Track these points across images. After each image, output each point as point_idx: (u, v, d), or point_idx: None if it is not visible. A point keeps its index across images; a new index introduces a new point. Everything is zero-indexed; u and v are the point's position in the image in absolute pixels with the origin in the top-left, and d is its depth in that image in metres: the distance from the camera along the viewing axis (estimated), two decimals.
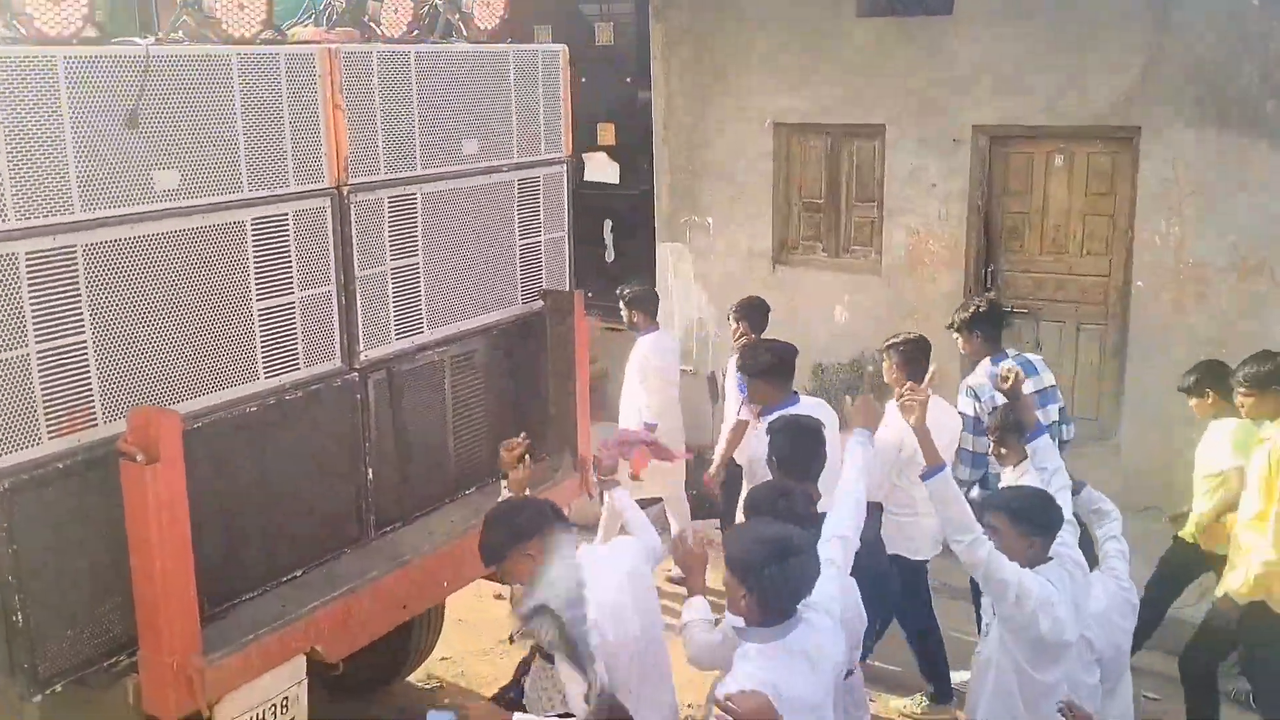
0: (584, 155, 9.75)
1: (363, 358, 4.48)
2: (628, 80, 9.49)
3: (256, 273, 4.03)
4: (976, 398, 5.37)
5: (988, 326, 5.59)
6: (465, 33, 4.95)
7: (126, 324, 3.64)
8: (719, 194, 8.89)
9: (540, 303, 5.28)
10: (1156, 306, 7.24)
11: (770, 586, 3.03)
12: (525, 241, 5.22)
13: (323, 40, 4.36)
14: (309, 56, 4.11)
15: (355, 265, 4.39)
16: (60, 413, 3.50)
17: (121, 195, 3.56)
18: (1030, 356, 5.65)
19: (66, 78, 3.37)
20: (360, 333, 4.45)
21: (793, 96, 8.36)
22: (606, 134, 9.76)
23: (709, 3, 8.58)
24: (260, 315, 4.07)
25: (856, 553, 3.85)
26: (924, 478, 3.72)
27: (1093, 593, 3.89)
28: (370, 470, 4.59)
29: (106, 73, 3.47)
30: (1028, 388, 5.40)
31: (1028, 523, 3.66)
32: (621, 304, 6.99)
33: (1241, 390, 5.03)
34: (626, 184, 9.74)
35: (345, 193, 4.30)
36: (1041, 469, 4.21)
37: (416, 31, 4.71)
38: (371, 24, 4.55)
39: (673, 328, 8.79)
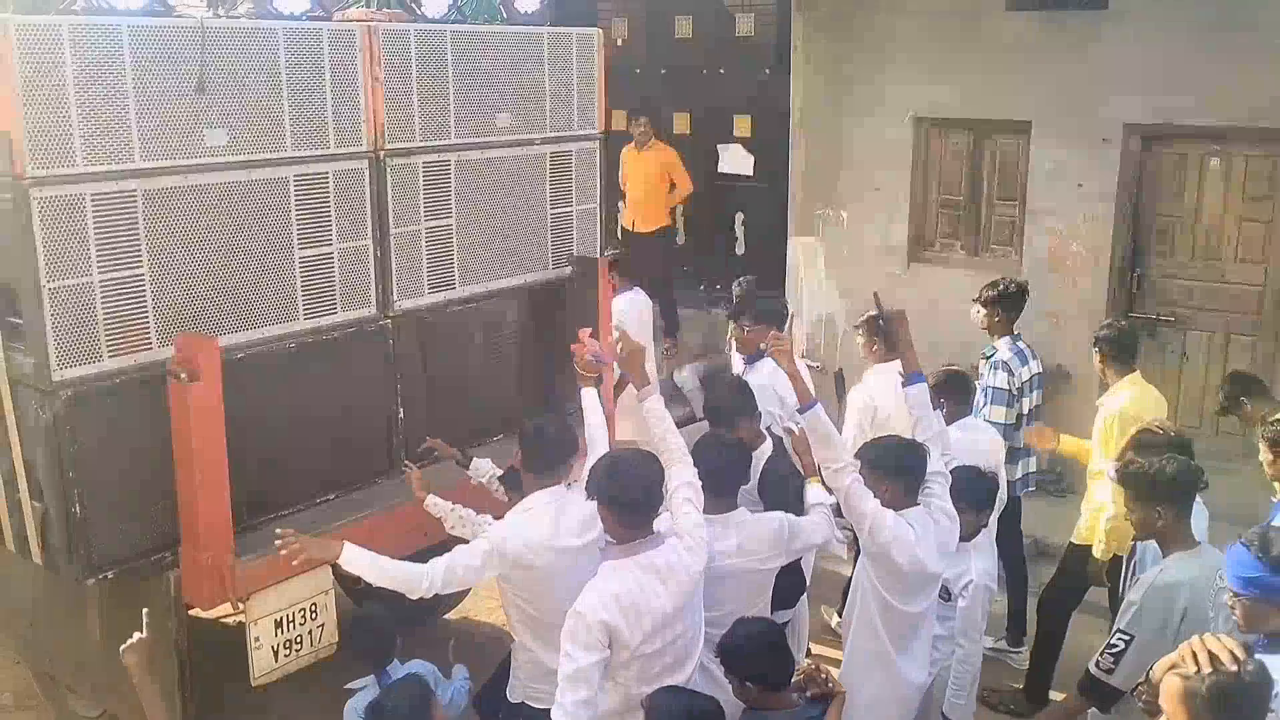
0: (719, 146, 9.95)
1: (396, 307, 4.97)
2: (766, 71, 9.56)
3: (299, 224, 4.54)
4: (1010, 371, 5.62)
5: (1011, 308, 5.85)
6: (506, 15, 5.41)
7: (180, 261, 4.18)
8: (855, 188, 8.78)
9: (569, 268, 5.69)
10: None
11: (615, 493, 3.56)
12: (556, 210, 5.64)
13: (369, 20, 4.86)
14: (350, 33, 4.61)
15: (391, 223, 4.87)
16: (119, 334, 4.05)
17: (177, 149, 4.10)
18: (1025, 344, 5.86)
19: (131, 45, 3.92)
20: (394, 284, 4.94)
21: (935, 90, 8.26)
22: (743, 125, 9.88)
23: None
24: (301, 262, 4.58)
25: None
26: (800, 412, 4.04)
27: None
28: (401, 409, 5.07)
29: (166, 41, 4.01)
30: (1025, 374, 5.66)
31: (881, 468, 3.94)
32: None
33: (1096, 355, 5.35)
34: (760, 176, 9.75)
35: (382, 156, 4.79)
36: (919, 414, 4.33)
37: (457, 16, 5.16)
38: (414, 5, 5.03)
39: (801, 323, 8.72)
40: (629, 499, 3.56)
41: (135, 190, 4.01)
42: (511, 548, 3.88)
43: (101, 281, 3.98)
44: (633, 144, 9.54)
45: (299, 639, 4.52)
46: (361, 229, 4.78)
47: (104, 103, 3.88)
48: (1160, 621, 3.58)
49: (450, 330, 5.23)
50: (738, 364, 5.77)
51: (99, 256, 3.96)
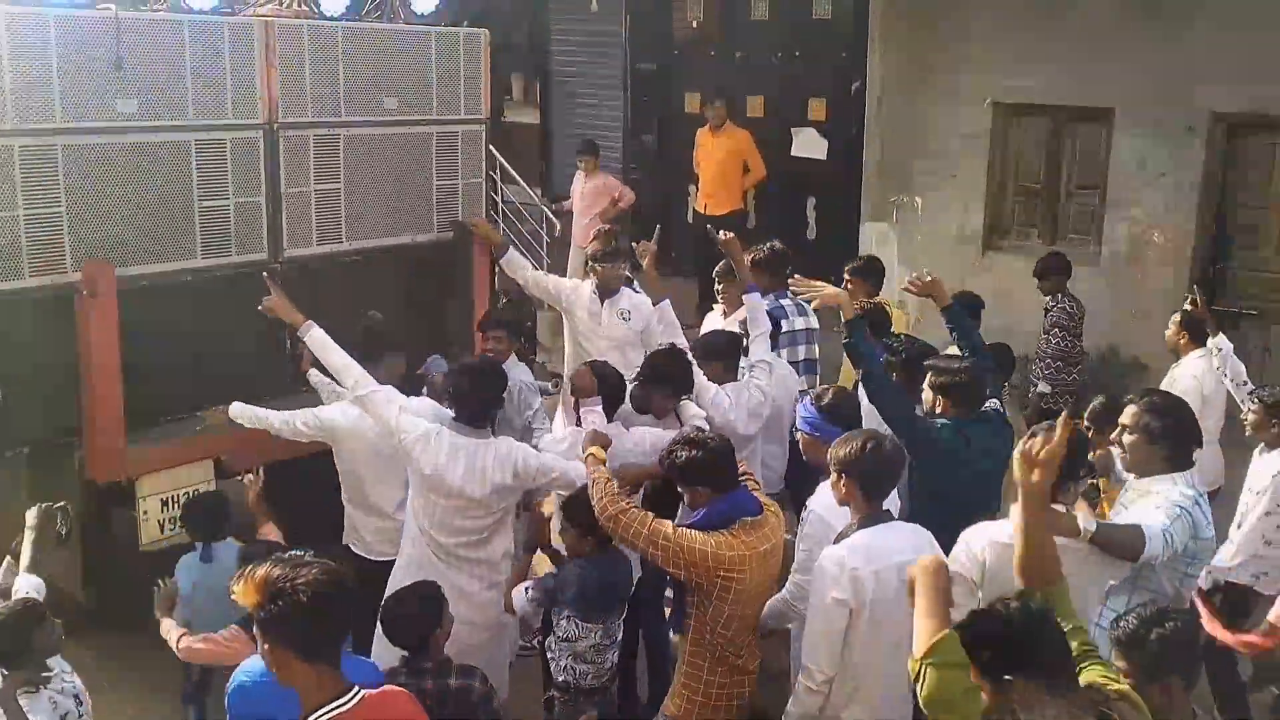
0: (792, 130, 10.01)
1: (286, 254, 5.98)
2: (843, 55, 9.59)
3: (199, 180, 5.58)
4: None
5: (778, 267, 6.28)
6: (402, 16, 6.42)
7: (93, 203, 5.24)
8: (930, 174, 8.69)
9: (452, 232, 6.68)
10: None
11: (458, 393, 4.45)
12: (442, 182, 6.63)
13: (273, 15, 5.90)
14: (248, 26, 5.64)
15: (282, 183, 5.89)
16: (39, 259, 5.12)
17: (92, 113, 5.16)
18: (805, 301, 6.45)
19: (55, 29, 4.98)
20: (284, 234, 5.96)
21: (1015, 76, 8.15)
22: (818, 109, 9.91)
23: None
24: (200, 210, 5.62)
25: None
26: None
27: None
28: (289, 340, 6.06)
29: (85, 28, 5.07)
30: (799, 324, 6.20)
31: (702, 354, 5.10)
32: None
33: None
34: (834, 161, 9.75)
35: (275, 128, 5.81)
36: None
37: (353, 13, 6.18)
38: (313, 4, 6.05)
39: None
40: (463, 399, 4.44)
41: (56, 145, 5.08)
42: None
43: (25, 216, 5.05)
44: (707, 127, 9.65)
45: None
46: (255, 187, 5.80)
47: (31, 75, 4.95)
48: None
49: (337, 276, 6.22)
50: None
51: (24, 196, 5.03)
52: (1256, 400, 5.12)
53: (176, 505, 5.52)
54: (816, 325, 6.18)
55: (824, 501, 4.06)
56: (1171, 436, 3.85)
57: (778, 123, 10.11)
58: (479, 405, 4.46)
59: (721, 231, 5.79)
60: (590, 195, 9.85)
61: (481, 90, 6.72)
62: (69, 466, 5.36)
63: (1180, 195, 7.64)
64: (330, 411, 4.91)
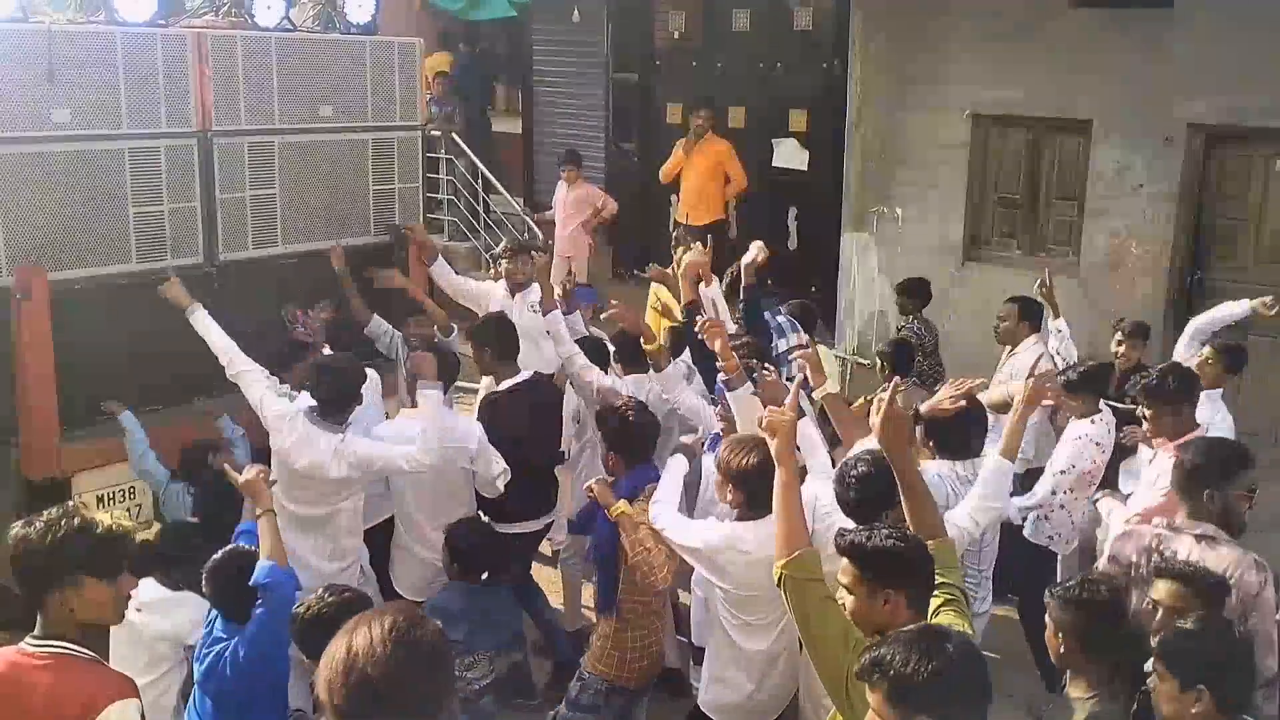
0: (773, 140, 10.14)
1: (221, 257, 6.16)
2: (824, 66, 9.73)
3: (133, 186, 5.75)
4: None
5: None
6: (339, 26, 6.60)
7: (28, 208, 5.40)
8: (911, 185, 8.85)
9: (389, 236, 6.87)
10: None
11: (319, 388, 4.96)
12: (379, 187, 6.82)
13: (207, 27, 6.08)
14: (181, 38, 5.82)
15: (217, 189, 6.07)
16: None
17: (26, 123, 5.32)
18: (784, 320, 6.68)
19: None
20: (219, 239, 6.14)
21: (995, 88, 8.33)
22: (798, 120, 10.03)
23: None
24: (135, 216, 5.79)
25: None
26: None
27: None
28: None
29: (18, 40, 5.24)
30: (781, 345, 6.61)
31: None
32: None
33: None
34: (815, 171, 9.87)
35: (209, 136, 5.99)
36: None
37: (288, 22, 6.35)
38: (247, 16, 6.22)
39: (853, 318, 9.08)
40: (323, 395, 4.95)
41: None
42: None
43: None
44: (689, 137, 9.76)
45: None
46: (190, 192, 5.97)
47: None
48: None
49: (273, 280, 6.40)
50: None
51: None
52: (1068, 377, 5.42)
53: (111, 501, 5.72)
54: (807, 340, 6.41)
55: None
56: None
57: (759, 133, 10.22)
58: (337, 401, 4.90)
59: (650, 266, 6.33)
60: (573, 205, 10.02)
61: (417, 98, 6.92)
62: (6, 463, 5.54)
63: (1158, 206, 7.76)
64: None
